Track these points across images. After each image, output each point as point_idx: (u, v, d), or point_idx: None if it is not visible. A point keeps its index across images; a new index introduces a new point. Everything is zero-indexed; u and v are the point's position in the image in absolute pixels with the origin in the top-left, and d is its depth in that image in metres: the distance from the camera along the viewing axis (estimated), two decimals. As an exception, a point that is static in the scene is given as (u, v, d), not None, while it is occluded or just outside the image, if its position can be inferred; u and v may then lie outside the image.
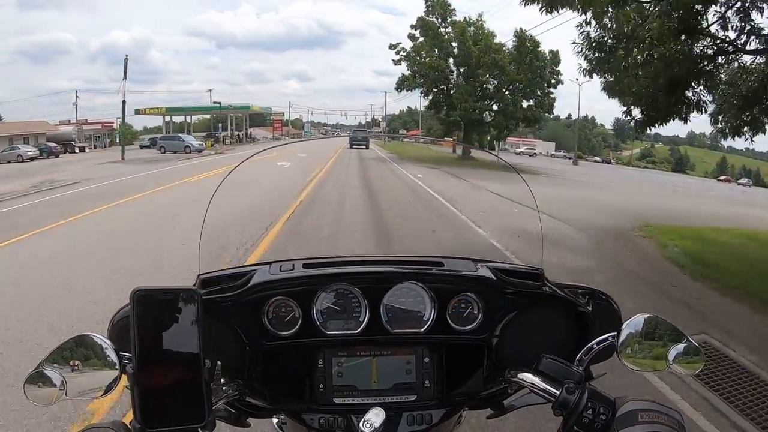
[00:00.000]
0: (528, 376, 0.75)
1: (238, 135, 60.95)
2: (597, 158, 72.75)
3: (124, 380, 0.63)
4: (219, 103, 46.63)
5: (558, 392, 0.69)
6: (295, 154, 21.69)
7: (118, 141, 58.36)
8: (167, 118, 52.73)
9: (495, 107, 29.72)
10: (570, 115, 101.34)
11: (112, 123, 57.02)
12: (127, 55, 26.72)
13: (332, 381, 0.84)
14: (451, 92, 29.50)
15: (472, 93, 29.01)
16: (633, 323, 0.72)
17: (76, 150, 37.26)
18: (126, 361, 0.63)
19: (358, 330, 0.87)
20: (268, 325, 0.86)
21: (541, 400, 0.74)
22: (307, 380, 0.85)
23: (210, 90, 57.04)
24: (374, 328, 0.86)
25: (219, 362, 0.65)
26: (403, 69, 31.02)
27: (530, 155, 55.39)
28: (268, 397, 0.87)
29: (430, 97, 30.67)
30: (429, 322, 0.87)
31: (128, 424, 0.60)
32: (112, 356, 0.63)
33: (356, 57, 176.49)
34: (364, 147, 27.33)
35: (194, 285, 0.87)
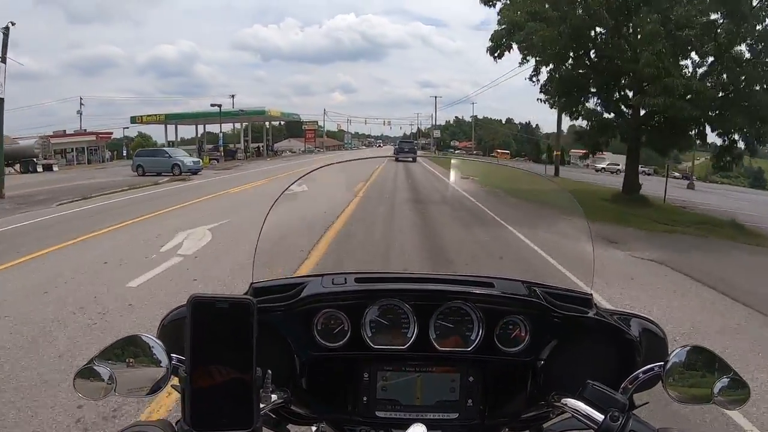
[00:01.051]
0: (571, 401, 0.74)
1: (258, 148, 50.38)
2: (674, 174, 53.58)
3: (171, 380, 0.65)
4: (219, 105, 34.27)
5: (601, 419, 0.68)
6: (277, 184, 11.85)
7: (125, 154, 47.04)
8: (171, 127, 44.98)
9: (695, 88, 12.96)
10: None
11: (111, 134, 45.25)
12: (10, 24, 15.05)
13: (376, 394, 0.86)
14: (614, 58, 13.47)
15: (672, 57, 12.83)
16: (680, 353, 0.71)
17: (39, 168, 28.62)
18: (177, 363, 0.65)
19: (406, 346, 0.87)
20: (317, 336, 0.87)
21: (583, 427, 0.73)
22: (351, 392, 0.87)
23: (233, 96, 43.73)
24: (421, 345, 0.87)
25: (269, 371, 0.66)
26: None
27: (613, 172, 43.36)
28: (311, 406, 0.88)
29: (546, 70, 14.79)
30: (476, 342, 0.88)
31: (174, 424, 0.63)
32: (162, 357, 0.66)
33: (400, 69, 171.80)
34: (410, 159, 21.59)
35: (246, 293, 0.90)
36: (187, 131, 47.91)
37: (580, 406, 0.73)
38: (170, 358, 0.66)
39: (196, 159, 24.25)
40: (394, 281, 0.97)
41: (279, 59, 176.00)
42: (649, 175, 45.21)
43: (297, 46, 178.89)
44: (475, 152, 71.49)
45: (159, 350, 0.66)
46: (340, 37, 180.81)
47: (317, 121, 68.91)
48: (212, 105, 35.53)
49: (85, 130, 42.86)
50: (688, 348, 0.71)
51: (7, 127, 14.74)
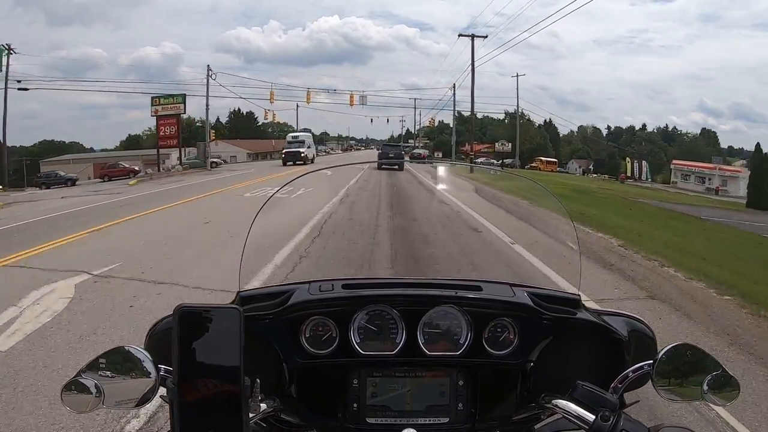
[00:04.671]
0: (562, 403, 0.78)
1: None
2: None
3: (160, 391, 0.69)
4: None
5: (592, 419, 0.72)
6: None
7: None
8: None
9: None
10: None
11: None
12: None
13: (366, 401, 0.90)
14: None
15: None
16: (668, 352, 0.75)
17: None
18: (164, 374, 0.69)
19: (395, 351, 0.91)
20: (305, 344, 0.91)
21: (574, 427, 0.76)
22: (341, 399, 0.90)
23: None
24: (410, 350, 0.91)
25: (258, 380, 0.70)
26: None
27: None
28: (301, 415, 0.91)
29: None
30: (465, 346, 0.92)
31: None
32: (150, 368, 0.69)
33: (385, 71, 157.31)
34: (396, 168, 14.27)
35: (233, 302, 0.94)
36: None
37: (571, 407, 0.76)
38: (158, 369, 0.69)
39: None
40: (381, 287, 1.00)
41: (262, 62, 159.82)
42: None
43: (280, 48, 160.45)
44: (508, 162, 42.86)
45: (146, 361, 0.68)
46: (323, 39, 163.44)
47: (184, 95, 34.37)
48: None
49: None
50: (677, 346, 0.75)
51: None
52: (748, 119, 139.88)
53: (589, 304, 1.01)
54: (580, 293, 0.99)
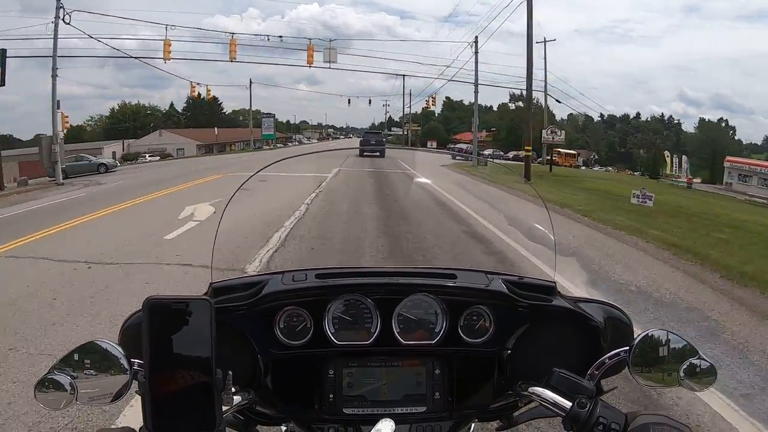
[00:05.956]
0: (539, 390, 0.79)
1: None
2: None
3: (134, 386, 0.70)
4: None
5: (569, 406, 0.73)
6: None
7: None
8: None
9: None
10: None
11: None
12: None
13: (342, 391, 0.91)
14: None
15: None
16: (645, 338, 0.78)
17: None
18: (137, 368, 0.70)
19: (370, 341, 0.93)
20: (279, 335, 0.92)
21: (551, 414, 0.77)
22: (317, 390, 0.92)
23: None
24: (385, 339, 0.93)
25: (230, 372, 0.70)
26: None
27: None
28: (278, 406, 0.93)
29: None
30: (441, 334, 0.94)
31: (137, 431, 0.66)
32: (123, 363, 0.69)
33: (365, 60, 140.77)
34: (378, 155, 15.24)
35: (206, 293, 0.95)
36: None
37: (548, 394, 0.76)
38: (131, 364, 0.69)
39: None
40: (355, 276, 1.00)
41: (241, 50, 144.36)
42: None
43: (259, 36, 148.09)
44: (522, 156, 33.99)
45: (119, 356, 0.68)
46: (302, 27, 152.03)
47: (3, 50, 17.68)
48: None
49: None
50: (654, 332, 0.77)
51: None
52: (729, 110, 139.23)
53: (566, 291, 1.01)
54: (555, 280, 1.00)
